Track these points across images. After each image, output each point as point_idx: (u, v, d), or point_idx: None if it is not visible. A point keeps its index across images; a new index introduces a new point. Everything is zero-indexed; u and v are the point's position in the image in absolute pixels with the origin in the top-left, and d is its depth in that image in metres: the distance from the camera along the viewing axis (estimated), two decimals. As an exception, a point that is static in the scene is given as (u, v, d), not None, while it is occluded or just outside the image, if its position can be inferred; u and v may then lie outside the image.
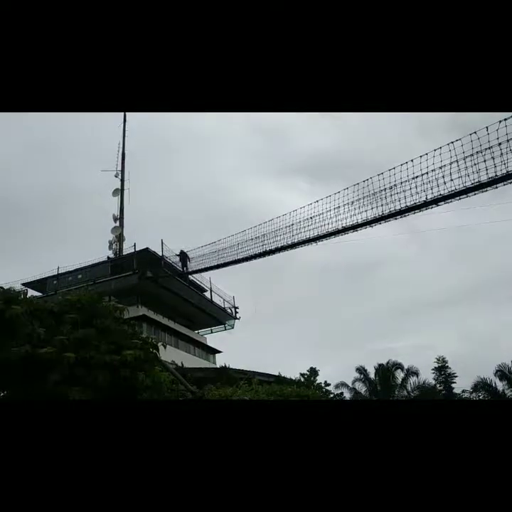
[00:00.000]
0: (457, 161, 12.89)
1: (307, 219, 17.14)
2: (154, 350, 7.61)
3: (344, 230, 16.30)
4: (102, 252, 28.06)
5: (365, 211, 15.49)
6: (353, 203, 15.78)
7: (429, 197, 13.83)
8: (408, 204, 14.33)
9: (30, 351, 6.20)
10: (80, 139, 65.81)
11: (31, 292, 23.30)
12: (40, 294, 24.08)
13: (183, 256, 23.74)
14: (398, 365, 29.53)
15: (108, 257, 27.46)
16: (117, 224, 29.42)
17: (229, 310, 29.36)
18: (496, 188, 12.79)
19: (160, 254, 24.17)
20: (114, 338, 7.05)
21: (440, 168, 13.30)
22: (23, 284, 24.39)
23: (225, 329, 30.80)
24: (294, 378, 23.12)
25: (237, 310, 29.55)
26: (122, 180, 30.61)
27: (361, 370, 29.80)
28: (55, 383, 6.23)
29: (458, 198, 13.51)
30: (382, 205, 14.97)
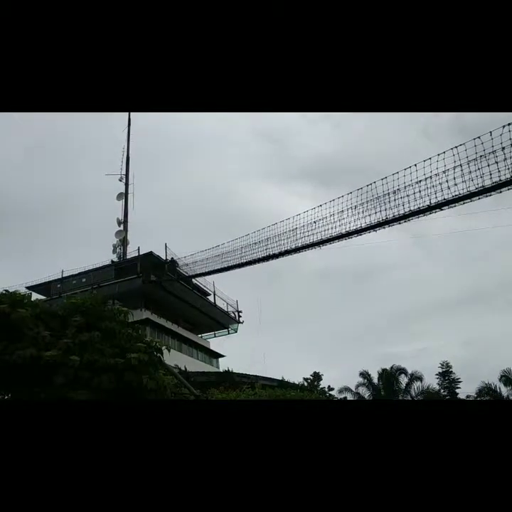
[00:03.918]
0: (461, 165, 12.88)
1: (311, 223, 17.14)
2: (158, 354, 7.62)
3: (348, 235, 16.28)
4: (106, 256, 28.18)
5: (369, 215, 15.49)
6: (356, 207, 15.78)
7: (432, 201, 13.81)
8: (412, 208, 14.32)
9: (36, 354, 6.22)
10: (84, 143, 66.16)
11: (35, 295, 23.35)
12: (44, 297, 24.15)
13: (173, 264, 23.83)
14: (402, 370, 29.42)
15: (112, 261, 27.53)
16: (121, 228, 29.50)
17: (232, 314, 29.34)
18: (500, 192, 12.77)
19: (164, 258, 24.22)
20: (119, 342, 7.07)
21: (444, 172, 13.29)
22: (27, 288, 24.46)
23: (229, 333, 30.77)
24: (297, 383, 23.09)
25: (240, 314, 29.55)
26: (126, 184, 30.74)
27: (365, 375, 29.70)
28: (60, 386, 6.25)
29: (462, 202, 13.48)
30: (385, 210, 14.96)
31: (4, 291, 7.17)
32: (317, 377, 30.37)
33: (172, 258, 24.01)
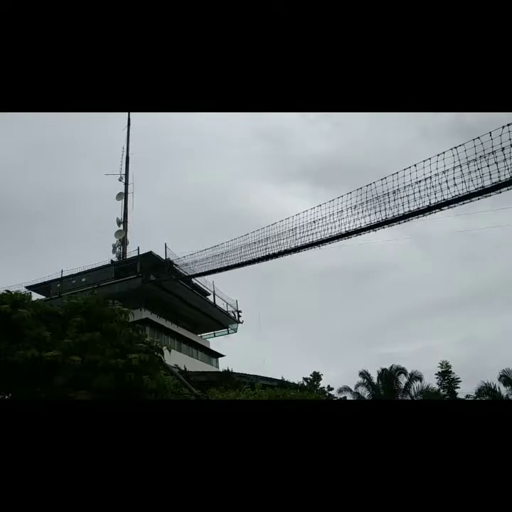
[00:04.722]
0: (461, 165, 12.89)
1: (310, 223, 17.15)
2: (159, 354, 7.63)
3: (347, 234, 16.28)
4: (105, 256, 28.17)
5: (369, 215, 15.50)
6: (356, 207, 15.79)
7: (432, 202, 13.82)
8: (411, 209, 14.33)
9: (37, 354, 6.23)
10: (84, 144, 66.10)
11: (35, 295, 23.40)
12: (44, 297, 24.13)
13: (169, 264, 23.82)
14: (401, 370, 29.40)
15: (112, 261, 27.51)
16: (121, 227, 29.49)
17: (232, 314, 29.34)
18: (500, 193, 12.78)
19: (163, 257, 24.20)
20: (120, 342, 7.08)
21: (444, 172, 13.30)
22: (27, 287, 24.44)
23: (228, 333, 30.77)
24: (297, 382, 23.11)
25: (240, 314, 29.55)
26: (126, 184, 30.72)
27: (364, 375, 29.69)
28: (61, 386, 6.25)
29: (461, 202, 13.49)
30: (385, 210, 14.97)
31: (5, 292, 7.18)
32: (317, 377, 30.34)
33: (168, 258, 23.98)
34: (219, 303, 28.43)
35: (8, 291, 7.26)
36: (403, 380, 29.28)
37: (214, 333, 31.09)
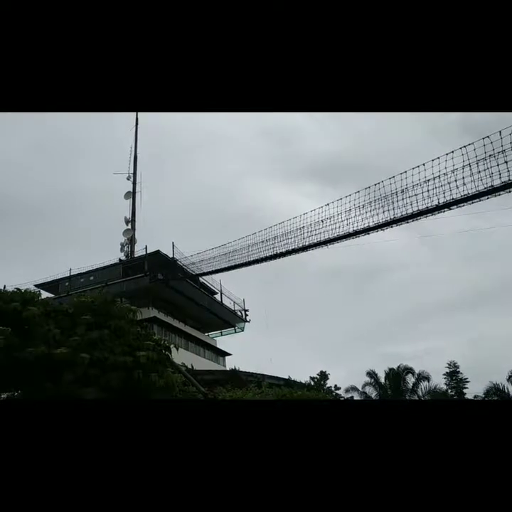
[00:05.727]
0: (470, 164, 12.81)
1: (318, 222, 17.12)
2: (166, 352, 7.68)
3: (355, 234, 16.24)
4: (113, 255, 28.33)
5: (377, 214, 15.45)
6: (364, 206, 15.74)
7: (441, 201, 13.75)
8: (420, 208, 14.26)
9: (46, 351, 6.30)
10: (92, 143, 66.53)
11: (44, 294, 23.53)
12: (53, 295, 24.32)
13: (174, 264, 23.88)
14: (409, 370, 29.29)
15: (120, 260, 27.67)
16: (129, 226, 29.63)
17: (239, 312, 29.38)
18: (510, 192, 12.68)
19: (171, 256, 24.30)
20: (128, 340, 7.13)
21: (452, 171, 13.22)
22: (36, 286, 24.63)
23: (235, 332, 30.81)
24: (303, 382, 23.10)
25: (247, 313, 29.59)
26: (134, 183, 30.85)
27: (372, 374, 29.61)
28: (70, 384, 6.31)
29: (470, 201, 13.41)
30: (393, 209, 14.91)
31: (15, 289, 7.26)
32: (324, 376, 30.31)
33: (174, 258, 24.05)
34: (226, 302, 28.53)
35: (18, 289, 7.34)
36: (411, 380, 29.19)
37: (221, 332, 31.15)
